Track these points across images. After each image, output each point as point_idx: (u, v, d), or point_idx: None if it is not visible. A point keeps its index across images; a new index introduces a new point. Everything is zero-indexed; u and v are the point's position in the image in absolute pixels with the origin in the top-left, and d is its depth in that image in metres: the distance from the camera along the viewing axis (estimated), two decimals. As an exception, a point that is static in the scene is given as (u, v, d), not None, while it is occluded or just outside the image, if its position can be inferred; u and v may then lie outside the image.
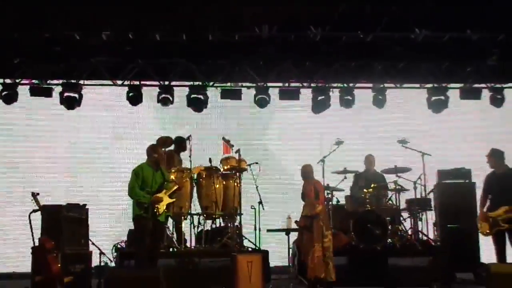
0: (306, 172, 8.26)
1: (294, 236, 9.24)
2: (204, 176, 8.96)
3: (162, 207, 7.36)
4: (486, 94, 10.85)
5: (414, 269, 8.47)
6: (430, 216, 9.45)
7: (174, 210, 8.56)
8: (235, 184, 9.03)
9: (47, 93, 10.34)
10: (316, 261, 7.67)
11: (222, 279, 7.84)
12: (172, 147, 9.34)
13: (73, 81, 10.30)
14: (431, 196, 9.50)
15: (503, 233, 7.86)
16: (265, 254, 8.44)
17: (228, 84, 10.74)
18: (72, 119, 11.09)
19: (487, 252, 9.28)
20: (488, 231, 7.90)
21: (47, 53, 9.76)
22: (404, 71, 10.58)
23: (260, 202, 9.03)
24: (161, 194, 7.39)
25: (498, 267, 7.37)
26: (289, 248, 8.78)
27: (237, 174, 9.12)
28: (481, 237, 9.20)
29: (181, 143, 9.27)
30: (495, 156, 8.06)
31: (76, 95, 10.30)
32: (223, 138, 9.46)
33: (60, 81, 10.32)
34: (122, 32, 9.39)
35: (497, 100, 10.79)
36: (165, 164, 8.51)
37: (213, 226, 9.20)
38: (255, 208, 9.07)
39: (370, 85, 10.88)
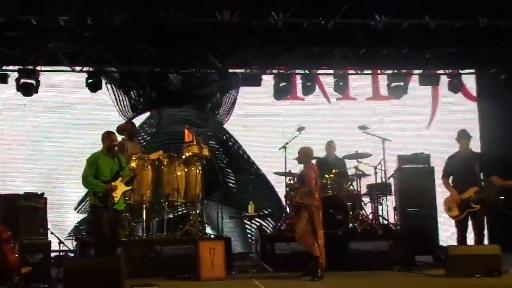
0: (308, 154, 7.76)
1: (256, 223, 9.28)
2: (165, 163, 8.85)
3: (118, 195, 7.23)
4: (444, 80, 11.02)
5: (375, 253, 8.57)
6: (391, 201, 9.57)
7: (135, 198, 8.45)
8: (197, 171, 8.95)
9: (3, 79, 10.08)
10: (320, 249, 7.43)
11: (185, 267, 7.80)
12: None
13: (29, 67, 10.05)
14: (391, 181, 9.61)
15: (467, 216, 7.73)
16: (227, 241, 8.42)
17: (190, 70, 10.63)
18: (29, 106, 10.84)
19: (445, 235, 9.52)
20: (457, 214, 7.74)
21: (2, 38, 9.47)
22: (365, 58, 10.66)
23: (224, 189, 9.00)
24: (116, 182, 7.22)
25: (456, 249, 7.51)
26: (251, 235, 8.78)
27: (199, 161, 9.05)
28: (440, 221, 9.42)
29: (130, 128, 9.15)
30: (463, 136, 8.00)
31: (33, 82, 10.06)
32: (186, 127, 9.38)
33: (16, 67, 10.06)
34: (81, 16, 9.18)
35: (455, 86, 10.98)
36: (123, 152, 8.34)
37: (175, 213, 9.14)
38: (217, 196, 9.05)
39: (331, 71, 10.95)
